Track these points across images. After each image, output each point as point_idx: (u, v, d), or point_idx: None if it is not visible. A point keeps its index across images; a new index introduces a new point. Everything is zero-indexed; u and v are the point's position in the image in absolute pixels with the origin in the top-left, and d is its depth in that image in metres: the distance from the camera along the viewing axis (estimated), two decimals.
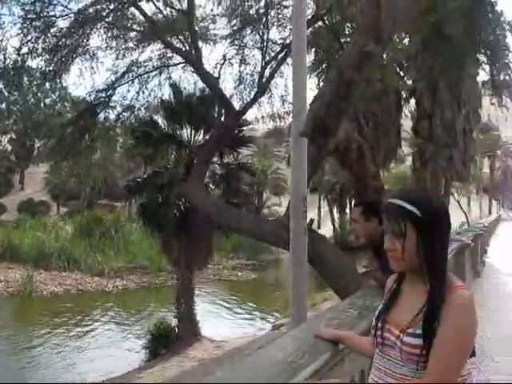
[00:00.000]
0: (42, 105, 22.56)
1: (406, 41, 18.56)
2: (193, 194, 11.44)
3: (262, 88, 12.31)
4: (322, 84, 25.53)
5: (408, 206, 1.91)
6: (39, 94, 21.72)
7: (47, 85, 17.54)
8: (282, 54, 12.37)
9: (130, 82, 15.65)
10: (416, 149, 27.87)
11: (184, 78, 16.53)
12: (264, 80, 12.32)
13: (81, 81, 16.08)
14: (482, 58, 12.85)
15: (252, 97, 12.68)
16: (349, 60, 5.20)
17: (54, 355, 17.01)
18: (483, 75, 20.66)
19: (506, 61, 10.82)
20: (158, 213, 15.69)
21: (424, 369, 1.86)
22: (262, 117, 17.27)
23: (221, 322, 20.85)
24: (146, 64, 15.60)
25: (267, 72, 12.60)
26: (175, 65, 15.22)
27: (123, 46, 15.16)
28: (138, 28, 14.85)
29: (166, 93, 16.79)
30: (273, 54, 12.93)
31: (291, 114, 6.22)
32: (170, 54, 15.38)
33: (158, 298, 25.80)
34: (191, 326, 16.80)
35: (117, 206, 65.56)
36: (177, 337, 16.49)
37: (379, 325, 2.02)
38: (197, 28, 13.86)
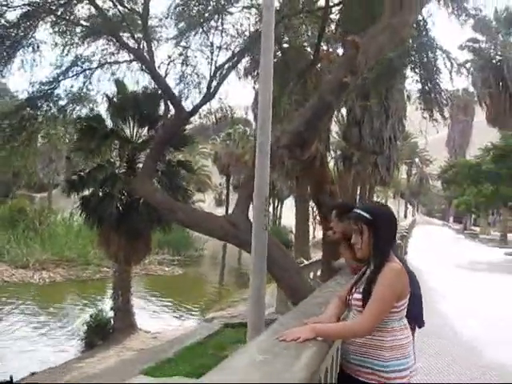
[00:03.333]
0: None
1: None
2: (143, 189, 11.87)
3: (213, 92, 12.90)
4: (257, 86, 26.30)
5: (362, 213, 2.97)
6: None
7: None
8: (234, 60, 13.05)
9: (74, 77, 15.75)
10: (340, 153, 29.28)
11: (128, 75, 16.59)
12: (214, 84, 12.89)
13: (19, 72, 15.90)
14: (411, 73, 14.08)
15: (201, 99, 13.21)
16: (329, 88, 6.04)
17: None
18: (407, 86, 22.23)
19: (437, 80, 12.00)
20: (100, 206, 15.94)
21: None
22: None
23: (152, 315, 21.27)
24: (91, 59, 15.70)
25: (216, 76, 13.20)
26: (123, 62, 15.46)
27: (69, 41, 15.20)
28: (86, 23, 15.02)
29: (110, 89, 17.08)
30: (222, 60, 13.54)
31: (257, 123, 6.90)
32: (112, 51, 15.62)
33: (88, 290, 25.79)
34: (128, 318, 17.16)
35: (35, 197, 63.82)
36: (113, 328, 16.82)
37: (349, 291, 3.04)
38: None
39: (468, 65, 26.40)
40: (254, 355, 2.06)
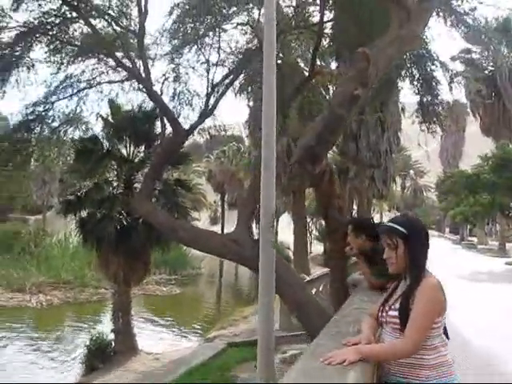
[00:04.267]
0: None
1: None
2: (143, 209, 11.75)
3: (210, 109, 12.83)
4: (251, 103, 26.39)
5: (397, 227, 2.87)
6: None
7: None
8: (230, 77, 13.02)
9: (68, 98, 15.62)
10: (335, 167, 29.21)
11: (120, 95, 16.46)
12: (212, 102, 12.83)
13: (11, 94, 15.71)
14: (407, 85, 14.09)
15: (199, 117, 13.14)
16: (339, 101, 6.02)
17: None
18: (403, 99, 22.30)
19: (435, 92, 12.00)
20: (98, 227, 15.74)
21: None
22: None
23: (153, 336, 21.00)
24: (84, 80, 15.57)
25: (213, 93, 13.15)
26: (118, 81, 15.37)
27: (63, 60, 15.08)
28: (78, 43, 14.93)
29: (102, 109, 16.94)
30: (218, 77, 13.49)
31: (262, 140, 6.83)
32: (104, 70, 15.51)
33: (86, 313, 25.49)
34: (128, 340, 16.88)
35: (29, 220, 63.39)
36: (113, 351, 16.53)
37: (381, 308, 2.93)
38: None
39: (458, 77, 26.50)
40: (307, 381, 1.93)
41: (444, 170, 40.43)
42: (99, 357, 16.23)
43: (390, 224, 2.94)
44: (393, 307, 2.86)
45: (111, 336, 17.12)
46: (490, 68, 35.53)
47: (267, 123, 6.89)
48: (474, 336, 9.85)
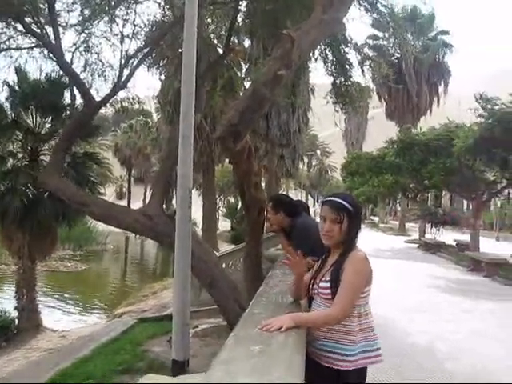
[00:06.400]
0: None
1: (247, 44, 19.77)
2: (53, 182, 11.35)
3: (124, 82, 12.51)
4: (163, 77, 25.98)
5: (344, 203, 3.04)
6: None
7: None
8: (146, 49, 12.76)
9: None
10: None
11: (29, 62, 15.64)
12: (125, 75, 12.52)
13: None
14: (319, 66, 14.42)
15: (111, 89, 12.79)
16: (263, 81, 6.14)
17: None
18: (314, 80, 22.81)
19: (348, 74, 12.41)
20: (1, 201, 15.06)
21: None
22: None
23: (58, 313, 20.52)
24: None
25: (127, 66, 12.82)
26: (26, 48, 14.61)
27: None
28: None
29: (10, 76, 16.12)
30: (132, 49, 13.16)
31: (180, 114, 6.84)
32: (11, 35, 14.72)
33: None
34: (33, 318, 16.38)
35: None
36: (18, 329, 15.99)
37: (312, 280, 3.13)
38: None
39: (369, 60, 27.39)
40: (248, 346, 2.05)
41: (348, 152, 42.03)
42: (2, 335, 15.65)
43: (338, 200, 3.08)
44: (323, 279, 3.04)
45: (15, 314, 16.56)
46: (397, 55, 37.18)
47: (186, 98, 6.91)
48: (377, 307, 10.44)
